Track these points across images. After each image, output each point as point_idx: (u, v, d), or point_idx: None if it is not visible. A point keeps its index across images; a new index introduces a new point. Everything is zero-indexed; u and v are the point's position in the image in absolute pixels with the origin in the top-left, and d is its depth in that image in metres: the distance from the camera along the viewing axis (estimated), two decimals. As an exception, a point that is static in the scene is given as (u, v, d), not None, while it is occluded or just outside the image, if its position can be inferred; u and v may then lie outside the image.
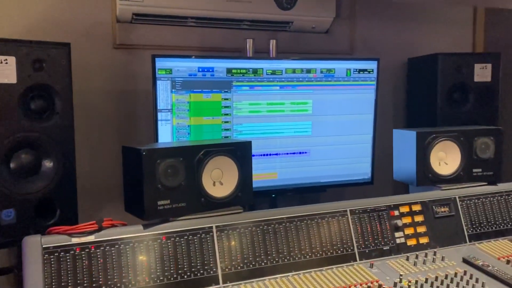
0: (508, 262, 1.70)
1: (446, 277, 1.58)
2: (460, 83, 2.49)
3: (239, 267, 1.51)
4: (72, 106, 1.76)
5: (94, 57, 2.21)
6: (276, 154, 2.26)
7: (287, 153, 2.28)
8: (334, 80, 2.32)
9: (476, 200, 1.90)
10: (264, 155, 2.24)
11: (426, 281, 1.55)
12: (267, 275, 1.52)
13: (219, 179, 1.58)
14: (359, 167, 2.42)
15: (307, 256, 1.60)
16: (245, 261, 1.52)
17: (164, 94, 2.01)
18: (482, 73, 2.49)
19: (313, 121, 2.30)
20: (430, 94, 2.53)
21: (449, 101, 2.50)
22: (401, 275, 1.58)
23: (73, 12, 2.16)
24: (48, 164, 1.71)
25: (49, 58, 1.68)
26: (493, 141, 1.97)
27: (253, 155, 2.16)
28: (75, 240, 1.36)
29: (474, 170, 1.96)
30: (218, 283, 1.47)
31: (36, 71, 1.66)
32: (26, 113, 1.65)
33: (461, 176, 1.94)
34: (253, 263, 1.52)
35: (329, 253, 1.62)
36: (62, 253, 1.34)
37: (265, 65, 2.19)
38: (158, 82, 2.00)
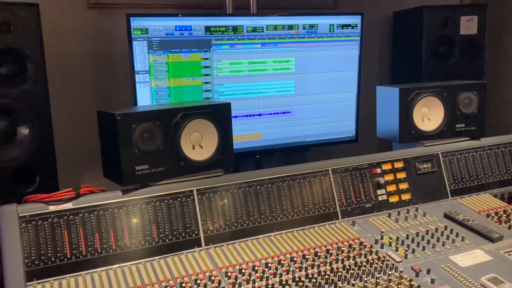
0: (488, 215, 1.72)
1: (427, 232, 1.60)
2: (446, 36, 2.44)
3: (221, 229, 1.51)
4: (45, 70, 1.69)
5: (67, 17, 2.11)
6: (259, 115, 2.22)
7: (271, 113, 2.24)
8: (317, 36, 2.26)
9: (459, 156, 1.91)
10: (247, 115, 2.20)
11: (407, 237, 1.57)
12: (250, 236, 1.53)
13: (198, 142, 1.56)
14: (344, 125, 2.40)
15: (290, 216, 1.60)
16: (227, 223, 1.52)
17: (141, 55, 1.95)
18: (468, 25, 2.44)
19: (296, 79, 2.25)
20: (416, 49, 2.48)
21: (435, 55, 2.46)
22: (382, 232, 1.59)
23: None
24: (23, 130, 1.66)
25: (16, 20, 1.60)
26: (476, 96, 1.95)
27: (236, 116, 2.14)
28: (52, 208, 1.34)
29: (457, 126, 1.95)
30: (201, 245, 1.47)
31: (3, 34, 1.58)
32: (-4, 78, 1.59)
33: (444, 132, 1.93)
34: (235, 224, 1.53)
35: (311, 213, 1.63)
36: (39, 222, 1.32)
37: (246, 22, 2.12)
38: (134, 43, 1.93)
